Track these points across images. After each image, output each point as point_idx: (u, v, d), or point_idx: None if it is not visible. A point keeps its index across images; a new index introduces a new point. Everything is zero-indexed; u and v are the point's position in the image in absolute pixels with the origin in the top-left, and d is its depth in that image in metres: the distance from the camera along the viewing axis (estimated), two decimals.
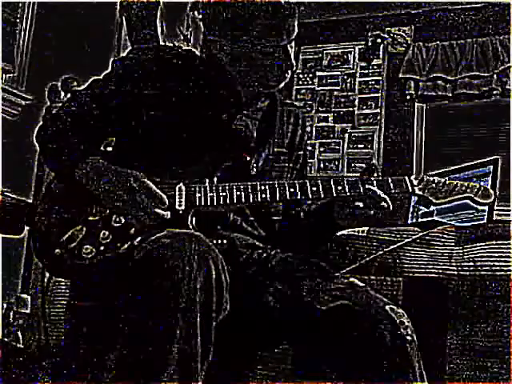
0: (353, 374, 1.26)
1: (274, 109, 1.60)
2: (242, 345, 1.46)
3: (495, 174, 2.13)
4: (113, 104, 1.48)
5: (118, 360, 1.16)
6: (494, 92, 4.85)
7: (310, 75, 5.52)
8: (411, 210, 2.49)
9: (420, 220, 2.39)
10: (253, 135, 1.54)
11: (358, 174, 4.95)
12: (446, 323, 1.71)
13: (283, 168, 1.59)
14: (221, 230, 1.45)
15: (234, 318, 1.24)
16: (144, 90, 1.46)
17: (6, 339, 2.51)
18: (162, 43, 3.66)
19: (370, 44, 5.27)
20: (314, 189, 1.41)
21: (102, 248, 1.33)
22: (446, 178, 1.48)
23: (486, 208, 2.09)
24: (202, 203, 1.37)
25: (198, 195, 1.38)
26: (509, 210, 3.77)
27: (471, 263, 1.73)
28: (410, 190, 1.44)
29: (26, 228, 1.75)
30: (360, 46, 5.37)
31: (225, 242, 1.39)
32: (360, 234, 1.86)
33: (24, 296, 2.87)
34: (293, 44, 1.49)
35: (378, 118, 5.23)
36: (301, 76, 5.52)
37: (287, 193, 1.40)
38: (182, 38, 4.13)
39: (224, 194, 1.38)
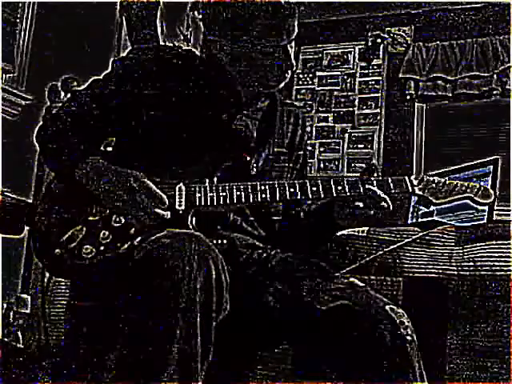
0: (353, 373, 1.26)
1: (274, 109, 1.60)
2: (242, 345, 1.46)
3: (495, 174, 2.13)
4: (113, 104, 1.48)
5: (118, 360, 1.16)
6: (494, 92, 4.85)
7: (310, 75, 5.52)
8: (411, 209, 2.49)
9: (420, 220, 2.39)
10: (253, 135, 1.54)
11: (358, 174, 4.95)
12: (445, 323, 1.71)
13: (283, 168, 1.59)
14: (221, 230, 1.45)
15: (234, 317, 1.24)
16: (144, 90, 1.46)
17: (6, 339, 2.51)
18: (161, 43, 3.66)
19: (370, 44, 5.27)
20: (314, 189, 1.41)
21: (101, 248, 1.33)
22: (446, 178, 1.48)
23: (486, 208, 2.09)
24: (202, 203, 1.37)
25: (197, 195, 1.38)
26: (509, 210, 3.77)
27: (471, 263, 1.73)
28: (410, 190, 1.44)
29: (26, 228, 1.75)
30: (360, 46, 5.37)
31: (225, 241, 1.39)
32: (360, 234, 1.86)
33: (24, 296, 2.87)
34: (293, 44, 1.49)
35: (378, 118, 5.23)
36: (301, 76, 5.52)
37: (287, 193, 1.40)
38: (182, 38, 4.13)
39: (224, 193, 1.38)
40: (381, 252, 1.81)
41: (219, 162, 1.43)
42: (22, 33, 3.49)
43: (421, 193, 1.45)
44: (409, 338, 1.25)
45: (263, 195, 1.39)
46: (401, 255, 1.81)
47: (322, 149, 5.34)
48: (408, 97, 5.13)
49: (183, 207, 1.37)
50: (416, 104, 5.17)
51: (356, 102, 5.32)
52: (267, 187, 1.40)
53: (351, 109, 5.33)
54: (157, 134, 1.45)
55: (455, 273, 1.73)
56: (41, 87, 3.36)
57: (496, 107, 4.90)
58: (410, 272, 1.78)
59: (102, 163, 1.39)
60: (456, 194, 1.45)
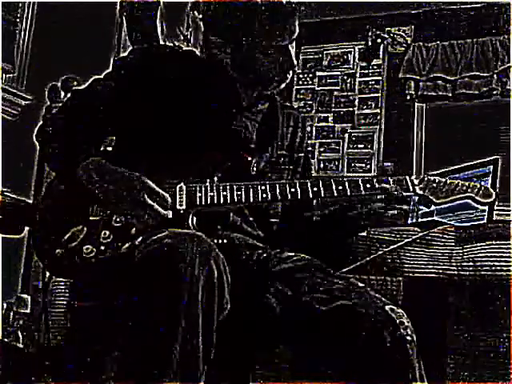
0: (353, 374, 1.26)
1: (274, 111, 1.60)
2: (242, 345, 1.45)
3: (495, 174, 2.13)
4: (113, 104, 1.48)
5: (119, 360, 1.16)
6: (494, 92, 4.85)
7: (310, 75, 5.52)
8: (411, 209, 2.49)
9: (420, 220, 2.39)
10: (252, 137, 1.54)
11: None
12: (445, 323, 1.71)
13: (284, 170, 1.59)
14: (221, 230, 1.45)
15: (234, 317, 1.24)
16: (144, 90, 1.46)
17: (6, 339, 2.51)
18: (162, 43, 3.66)
19: (370, 44, 5.27)
20: (315, 189, 1.41)
21: (102, 248, 1.33)
22: (447, 178, 1.48)
23: (486, 208, 2.09)
24: (203, 203, 1.37)
25: (198, 195, 1.38)
26: (509, 210, 3.77)
27: (471, 263, 1.73)
28: (411, 190, 1.45)
29: (26, 228, 1.75)
30: (360, 46, 5.36)
31: (225, 241, 1.39)
32: (360, 234, 1.86)
33: (24, 296, 2.86)
34: (294, 44, 1.49)
35: (378, 118, 5.23)
36: (301, 76, 5.52)
37: (288, 193, 1.40)
38: (182, 38, 4.13)
39: (225, 193, 1.38)
40: (381, 252, 1.81)
41: (219, 162, 1.43)
42: (22, 33, 3.49)
43: (421, 192, 1.45)
44: (409, 338, 1.25)
45: (264, 195, 1.39)
46: (401, 255, 1.81)
47: (322, 149, 5.34)
48: (408, 97, 5.13)
49: (184, 207, 1.37)
50: (416, 104, 5.17)
51: (356, 102, 5.32)
52: (268, 187, 1.40)
53: (351, 109, 5.33)
54: (157, 134, 1.45)
55: (455, 273, 1.74)
56: (41, 87, 3.36)
57: (496, 107, 4.90)
58: (410, 272, 1.78)
59: (103, 163, 1.39)
60: (457, 194, 1.45)
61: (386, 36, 5.25)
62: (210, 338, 1.15)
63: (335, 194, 1.42)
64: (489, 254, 1.73)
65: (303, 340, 1.37)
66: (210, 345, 1.15)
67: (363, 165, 5.20)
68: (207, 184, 1.39)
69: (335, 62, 5.47)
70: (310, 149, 5.17)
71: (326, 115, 5.40)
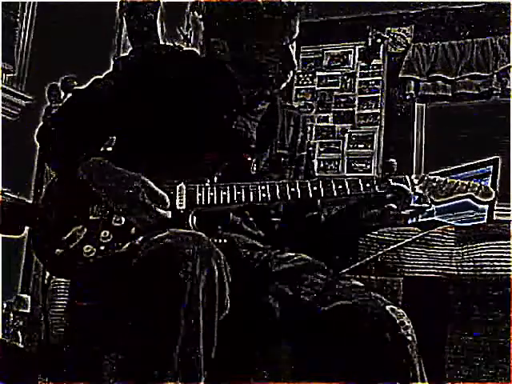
0: (353, 374, 1.26)
1: (274, 111, 1.60)
2: (242, 345, 1.45)
3: (495, 174, 2.13)
4: (113, 104, 1.48)
5: (119, 360, 1.16)
6: (494, 92, 4.85)
7: (310, 75, 5.51)
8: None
9: (420, 220, 2.39)
10: (252, 136, 1.54)
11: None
12: (445, 323, 1.71)
13: (285, 170, 1.59)
14: (221, 230, 1.45)
15: (234, 317, 1.24)
16: (145, 90, 1.46)
17: (6, 339, 2.51)
18: (162, 43, 3.66)
19: (370, 44, 5.27)
20: (315, 189, 1.41)
21: (102, 248, 1.33)
22: (447, 177, 1.48)
23: (486, 208, 2.09)
24: (203, 203, 1.37)
25: (198, 195, 1.38)
26: (509, 210, 3.77)
27: (471, 263, 1.73)
28: (411, 189, 1.45)
29: (26, 228, 1.75)
30: (360, 46, 5.36)
31: (225, 241, 1.39)
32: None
33: (24, 296, 2.87)
34: (294, 44, 1.49)
35: (378, 118, 5.23)
36: (301, 76, 5.51)
37: (288, 193, 1.40)
38: (182, 38, 4.14)
39: (225, 193, 1.38)
40: (381, 252, 1.81)
41: (219, 162, 1.43)
42: (22, 33, 3.49)
43: (421, 192, 1.45)
44: (409, 338, 1.25)
45: (263, 195, 1.39)
46: (401, 255, 1.81)
47: (322, 149, 5.34)
48: (408, 97, 5.13)
49: (184, 207, 1.37)
50: (416, 104, 5.17)
51: (356, 102, 5.32)
52: (268, 187, 1.40)
53: (351, 109, 5.32)
54: (157, 134, 1.45)
55: (455, 273, 1.74)
56: (41, 87, 3.36)
57: (496, 107, 4.90)
58: (410, 272, 1.78)
59: (104, 163, 1.39)
60: (457, 193, 1.45)
61: (386, 36, 5.25)
62: (210, 338, 1.15)
63: (335, 194, 1.42)
64: (489, 254, 1.73)
65: (303, 340, 1.37)
66: (210, 345, 1.15)
67: (363, 165, 5.20)
68: (207, 184, 1.39)
69: (335, 62, 5.47)
70: (310, 149, 5.17)
71: (325, 115, 5.40)
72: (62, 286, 1.99)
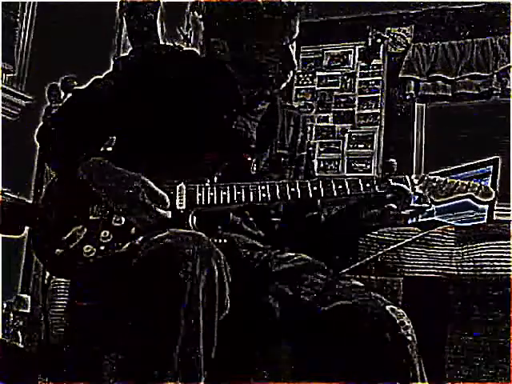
0: (353, 374, 1.26)
1: (274, 111, 1.60)
2: (242, 345, 1.46)
3: (495, 174, 2.13)
4: (113, 104, 1.48)
5: (119, 360, 1.16)
6: (494, 92, 4.85)
7: (310, 75, 5.51)
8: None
9: (420, 220, 2.39)
10: (253, 136, 1.54)
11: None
12: (445, 323, 1.71)
13: (285, 170, 1.59)
14: (221, 230, 1.45)
15: (234, 317, 1.24)
16: (145, 90, 1.46)
17: (6, 339, 2.51)
18: (162, 43, 3.66)
19: (369, 44, 5.27)
20: (315, 189, 1.41)
21: (102, 248, 1.33)
22: (447, 177, 1.48)
23: (486, 208, 2.09)
24: (203, 203, 1.37)
25: (198, 195, 1.38)
26: (509, 210, 3.77)
27: (471, 263, 1.73)
28: (411, 189, 1.45)
29: (26, 228, 1.75)
30: (360, 46, 5.36)
31: (225, 241, 1.39)
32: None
33: (24, 296, 2.87)
34: (294, 44, 1.49)
35: (378, 118, 5.23)
36: (301, 76, 5.51)
37: (288, 193, 1.40)
38: (182, 38, 4.14)
39: (225, 193, 1.38)
40: (381, 252, 1.81)
41: (219, 162, 1.43)
42: (22, 33, 3.49)
43: (421, 192, 1.45)
44: (409, 338, 1.25)
45: (263, 195, 1.39)
46: (401, 255, 1.81)
47: (322, 149, 5.34)
48: (408, 97, 5.13)
49: (184, 207, 1.37)
50: (416, 104, 5.17)
51: (356, 102, 5.32)
52: (268, 187, 1.40)
53: (351, 109, 5.33)
54: (157, 134, 1.45)
55: (455, 273, 1.74)
56: (41, 87, 3.36)
57: (496, 107, 4.90)
58: (410, 272, 1.78)
59: (104, 163, 1.39)
60: (457, 193, 1.45)
61: (386, 36, 5.25)
62: (210, 338, 1.15)
63: (335, 194, 1.42)
64: (489, 254, 1.73)
65: (303, 340, 1.37)
66: (210, 345, 1.15)
67: (363, 165, 5.20)
68: (207, 184, 1.39)
69: (335, 62, 5.47)
70: (310, 149, 5.16)
71: (325, 115, 5.40)
72: (62, 286, 1.99)
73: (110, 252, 1.32)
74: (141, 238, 1.28)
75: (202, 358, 1.13)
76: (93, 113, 1.48)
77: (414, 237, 1.82)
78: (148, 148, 1.45)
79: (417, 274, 1.77)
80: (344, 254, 1.75)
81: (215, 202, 1.38)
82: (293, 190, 1.40)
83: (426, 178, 1.46)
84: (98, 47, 3.79)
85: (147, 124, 1.46)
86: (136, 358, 1.12)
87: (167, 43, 3.73)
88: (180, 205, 1.37)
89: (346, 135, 5.30)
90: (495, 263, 1.71)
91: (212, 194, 1.38)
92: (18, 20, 3.45)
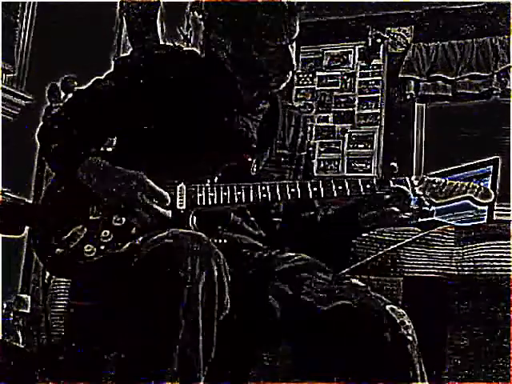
0: (353, 374, 1.26)
1: (275, 111, 1.60)
2: (242, 344, 1.46)
3: (495, 174, 2.13)
4: (114, 104, 1.48)
5: (119, 360, 1.16)
6: (494, 92, 4.85)
7: (310, 75, 5.52)
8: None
9: (420, 220, 2.39)
10: (253, 136, 1.54)
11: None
12: (445, 323, 1.71)
13: (285, 170, 1.59)
14: (221, 230, 1.45)
15: (234, 317, 1.24)
16: (145, 90, 1.47)
17: (6, 339, 2.51)
18: (162, 43, 3.66)
19: (370, 44, 5.27)
20: (315, 189, 1.41)
21: (102, 247, 1.33)
22: (447, 179, 1.48)
23: (486, 208, 2.09)
24: (203, 203, 1.37)
25: (198, 195, 1.38)
26: (509, 210, 3.77)
27: (471, 263, 1.73)
28: (411, 191, 1.45)
29: (26, 228, 1.75)
30: (360, 46, 5.37)
31: (225, 241, 1.39)
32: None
33: (24, 296, 2.87)
34: (294, 44, 1.49)
35: (378, 118, 5.23)
36: (301, 76, 5.51)
37: (288, 193, 1.40)
38: (182, 38, 4.14)
39: (225, 193, 1.38)
40: (381, 252, 1.81)
41: (220, 162, 1.43)
42: (22, 33, 3.49)
43: (421, 193, 1.45)
44: (409, 338, 1.25)
45: (264, 195, 1.39)
46: (401, 255, 1.81)
47: (322, 149, 5.34)
48: (408, 97, 5.13)
49: (184, 207, 1.37)
50: (416, 104, 5.17)
51: (356, 102, 5.32)
52: (268, 187, 1.40)
53: (351, 109, 5.33)
54: (158, 134, 1.45)
55: (455, 273, 1.74)
56: (41, 87, 3.36)
57: (496, 107, 4.90)
58: (410, 272, 1.78)
59: (104, 163, 1.39)
60: (456, 195, 1.45)
61: (386, 36, 5.25)
62: (210, 338, 1.15)
63: (335, 195, 1.42)
64: (489, 254, 1.73)
65: (303, 340, 1.37)
66: (210, 345, 1.15)
67: (363, 165, 5.20)
68: (207, 184, 1.39)
69: (335, 62, 5.47)
70: (310, 149, 5.16)
71: (326, 115, 5.40)
72: (62, 286, 1.99)
73: (110, 252, 1.32)
74: (141, 238, 1.28)
75: (201, 358, 1.13)
76: (93, 113, 1.48)
77: (413, 237, 1.83)
78: (148, 148, 1.45)
79: (417, 274, 1.77)
80: (339, 254, 1.75)
81: (215, 202, 1.38)
82: (293, 190, 1.40)
83: (425, 180, 1.46)
84: (98, 47, 3.79)
85: (148, 124, 1.46)
86: (136, 357, 1.12)
87: (167, 43, 3.74)
88: (180, 205, 1.37)
89: (346, 135, 5.30)
90: (495, 263, 1.71)
91: (212, 194, 1.38)
92: (17, 20, 3.45)
